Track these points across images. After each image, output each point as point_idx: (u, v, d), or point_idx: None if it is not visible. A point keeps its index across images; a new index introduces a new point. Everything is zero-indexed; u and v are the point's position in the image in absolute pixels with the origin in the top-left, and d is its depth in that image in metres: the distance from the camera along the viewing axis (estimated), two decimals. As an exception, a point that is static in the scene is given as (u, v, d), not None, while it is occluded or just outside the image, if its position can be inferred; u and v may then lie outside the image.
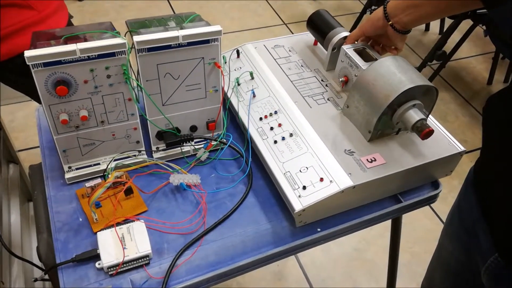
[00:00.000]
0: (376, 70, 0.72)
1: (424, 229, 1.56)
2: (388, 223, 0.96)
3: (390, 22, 0.73)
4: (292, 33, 1.11)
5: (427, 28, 2.52)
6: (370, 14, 2.24)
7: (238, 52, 0.92)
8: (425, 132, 0.68)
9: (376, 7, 2.24)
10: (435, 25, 2.51)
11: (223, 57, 0.90)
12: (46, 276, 0.68)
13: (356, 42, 0.83)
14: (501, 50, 1.86)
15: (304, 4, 2.69)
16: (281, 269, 1.44)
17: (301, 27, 2.44)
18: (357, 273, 1.45)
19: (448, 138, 0.76)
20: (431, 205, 1.65)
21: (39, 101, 0.81)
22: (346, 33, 0.84)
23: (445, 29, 2.03)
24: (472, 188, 0.63)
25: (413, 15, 0.70)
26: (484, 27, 1.77)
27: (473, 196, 0.62)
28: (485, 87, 2.20)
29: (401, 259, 1.46)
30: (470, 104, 2.09)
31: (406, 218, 1.60)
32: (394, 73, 0.71)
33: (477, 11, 1.73)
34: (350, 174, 0.68)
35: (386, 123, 0.72)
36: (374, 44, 0.82)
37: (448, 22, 1.95)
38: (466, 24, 1.87)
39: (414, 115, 0.69)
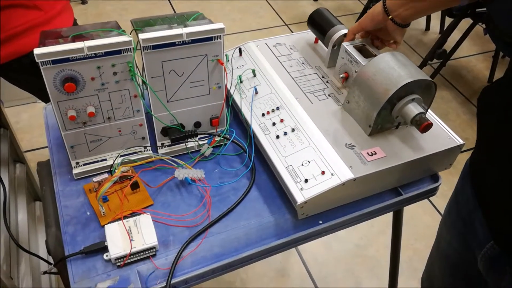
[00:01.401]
0: (376, 65, 0.74)
1: (425, 226, 1.58)
2: (389, 220, 0.97)
3: (390, 17, 0.74)
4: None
5: (427, 28, 2.53)
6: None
7: (240, 50, 0.93)
8: (424, 125, 0.70)
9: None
10: (435, 24, 2.52)
11: (226, 55, 0.92)
12: (55, 269, 0.70)
13: (356, 37, 0.84)
14: (501, 48, 1.88)
15: (305, 5, 2.71)
16: (284, 265, 1.45)
17: (302, 28, 2.46)
18: (359, 270, 1.46)
19: (447, 132, 0.78)
20: (432, 201, 1.66)
21: (44, 100, 0.83)
22: (346, 31, 0.85)
23: (445, 28, 2.05)
24: (469, 179, 0.65)
25: (413, 9, 0.72)
26: (483, 25, 1.78)
27: (469, 187, 0.64)
28: (485, 86, 2.21)
29: (403, 255, 1.47)
30: (471, 102, 2.10)
31: (408, 214, 1.62)
32: (393, 68, 0.72)
33: (477, 9, 1.74)
34: (351, 167, 0.70)
35: (386, 117, 0.74)
36: (373, 39, 0.84)
37: (448, 21, 1.96)
38: (466, 22, 1.89)
39: (413, 109, 0.71)
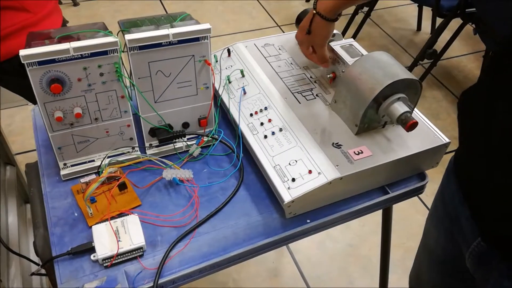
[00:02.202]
0: (362, 65, 0.74)
1: (417, 225, 1.58)
2: (381, 220, 0.98)
3: (316, 11, 0.76)
4: (285, 34, 1.14)
5: (418, 28, 2.55)
6: (364, 14, 2.27)
7: (229, 51, 0.94)
8: (409, 124, 0.70)
9: (367, 8, 2.27)
10: (426, 25, 2.54)
11: (214, 56, 0.92)
12: (43, 271, 0.69)
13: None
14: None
15: (298, 6, 2.72)
16: (276, 266, 1.45)
17: (294, 29, 2.46)
18: (352, 269, 1.47)
19: (433, 130, 0.78)
20: (424, 201, 1.67)
21: (34, 102, 0.83)
22: (334, 31, 0.86)
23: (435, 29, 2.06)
24: (453, 176, 0.65)
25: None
26: (473, 25, 1.80)
27: (454, 184, 0.65)
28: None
29: (395, 254, 1.47)
30: (462, 102, 2.11)
31: (399, 214, 1.62)
32: (379, 68, 0.73)
33: (466, 9, 1.76)
34: (337, 166, 0.70)
35: (372, 116, 0.74)
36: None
37: (439, 21, 1.98)
38: (457, 22, 1.90)
39: (399, 108, 0.71)
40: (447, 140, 0.77)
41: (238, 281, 1.40)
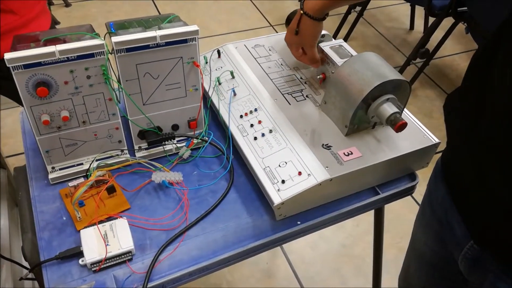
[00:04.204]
0: (351, 66, 0.74)
1: (410, 225, 1.57)
2: (373, 220, 0.98)
3: (304, 11, 0.76)
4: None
5: (411, 27, 2.55)
6: (357, 14, 2.27)
7: (219, 52, 0.93)
8: (398, 125, 0.70)
9: (360, 8, 2.27)
10: (419, 24, 2.54)
11: (204, 57, 0.92)
12: (31, 275, 0.69)
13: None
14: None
15: (291, 6, 2.72)
16: (270, 266, 1.45)
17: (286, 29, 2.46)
18: (345, 269, 1.47)
19: (423, 131, 0.78)
20: (418, 200, 1.67)
21: (22, 105, 0.82)
22: (324, 32, 0.86)
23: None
24: (441, 179, 0.65)
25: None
26: (465, 24, 1.80)
27: (443, 187, 0.64)
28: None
29: (389, 254, 1.48)
30: (455, 101, 2.12)
31: (393, 214, 1.62)
32: (368, 69, 0.73)
33: (458, 8, 1.76)
34: (327, 167, 0.70)
35: (361, 117, 0.74)
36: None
37: (432, 20, 1.98)
38: (449, 22, 1.91)
39: (388, 108, 0.71)
40: (437, 140, 0.77)
41: (232, 282, 1.40)
